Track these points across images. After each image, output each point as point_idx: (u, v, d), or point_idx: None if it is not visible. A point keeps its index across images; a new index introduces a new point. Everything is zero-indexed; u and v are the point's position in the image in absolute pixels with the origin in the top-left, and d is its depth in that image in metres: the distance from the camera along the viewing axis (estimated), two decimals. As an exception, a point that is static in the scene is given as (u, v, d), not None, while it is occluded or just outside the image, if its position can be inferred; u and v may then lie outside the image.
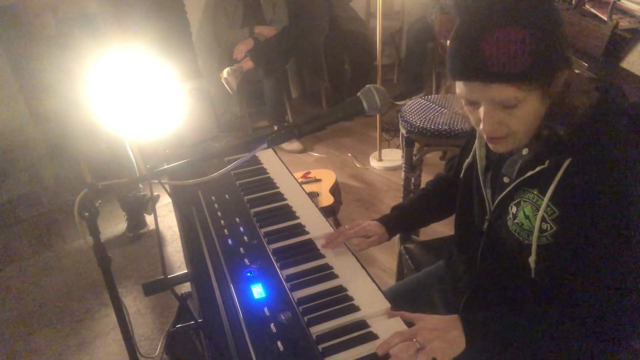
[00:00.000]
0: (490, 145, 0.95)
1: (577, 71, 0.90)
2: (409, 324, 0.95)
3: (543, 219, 0.90)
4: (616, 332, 0.88)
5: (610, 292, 0.86)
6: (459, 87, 0.88)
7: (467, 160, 1.13)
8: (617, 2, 2.06)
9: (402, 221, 1.32)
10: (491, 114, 0.86)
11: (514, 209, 0.96)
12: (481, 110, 0.87)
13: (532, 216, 0.92)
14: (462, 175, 1.16)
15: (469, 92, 0.86)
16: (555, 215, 0.89)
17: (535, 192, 0.92)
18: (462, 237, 1.20)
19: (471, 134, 1.14)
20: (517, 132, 0.88)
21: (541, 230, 0.91)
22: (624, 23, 1.97)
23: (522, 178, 0.94)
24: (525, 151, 0.95)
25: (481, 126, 0.89)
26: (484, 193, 1.07)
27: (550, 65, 0.82)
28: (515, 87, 0.81)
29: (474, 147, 1.10)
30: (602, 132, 0.85)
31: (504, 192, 0.98)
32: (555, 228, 0.89)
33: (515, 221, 0.96)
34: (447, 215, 1.34)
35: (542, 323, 0.91)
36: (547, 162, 0.89)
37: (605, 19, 2.04)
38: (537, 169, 0.91)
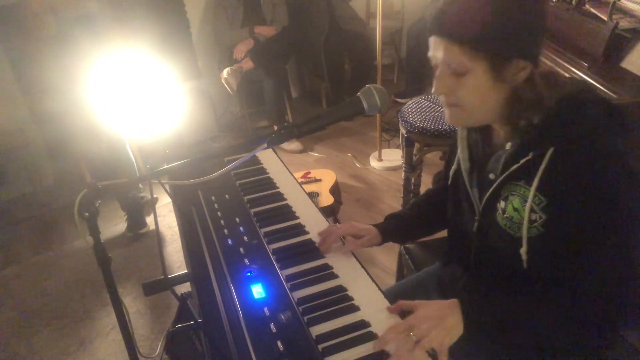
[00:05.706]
0: (446, 117, 1.00)
1: (545, 70, 0.93)
2: (409, 314, 0.94)
3: (532, 209, 0.91)
4: (609, 317, 0.89)
5: (601, 277, 0.88)
6: (430, 44, 0.94)
7: (453, 167, 1.15)
8: (617, 2, 2.06)
9: (396, 230, 1.29)
10: (443, 77, 0.93)
11: (502, 204, 0.98)
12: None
13: (520, 208, 0.93)
14: (449, 182, 1.17)
15: (433, 49, 0.93)
16: (543, 204, 0.90)
17: (522, 184, 0.93)
18: (455, 242, 1.21)
19: (454, 144, 1.16)
20: (466, 105, 0.93)
21: (531, 221, 0.92)
22: (624, 23, 1.97)
23: (507, 172, 0.95)
24: (508, 146, 0.97)
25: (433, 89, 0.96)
26: (471, 194, 1.08)
27: (503, 45, 0.86)
28: (461, 51, 0.87)
29: (457, 153, 1.12)
30: (581, 120, 0.87)
31: (491, 189, 0.99)
32: (544, 217, 0.90)
33: (505, 215, 0.97)
34: (441, 228, 1.32)
35: (539, 306, 0.92)
36: (530, 153, 0.91)
37: (605, 19, 2.04)
38: (522, 161, 0.92)
